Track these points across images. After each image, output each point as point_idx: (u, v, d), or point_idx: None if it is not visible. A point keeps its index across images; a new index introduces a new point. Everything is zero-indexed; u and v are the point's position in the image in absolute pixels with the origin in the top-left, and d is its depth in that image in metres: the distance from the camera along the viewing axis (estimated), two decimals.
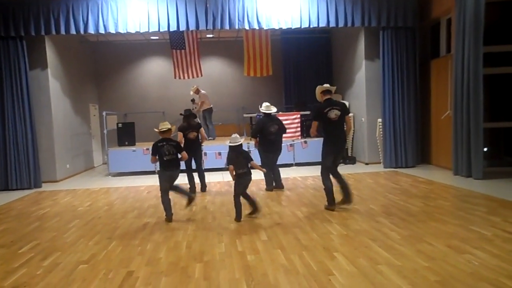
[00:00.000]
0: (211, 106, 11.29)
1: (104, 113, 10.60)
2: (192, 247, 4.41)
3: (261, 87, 13.96)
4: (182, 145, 6.57)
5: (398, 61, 9.38)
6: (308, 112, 11.17)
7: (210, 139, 10.90)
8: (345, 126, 5.71)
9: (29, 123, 8.85)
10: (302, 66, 13.31)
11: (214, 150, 10.10)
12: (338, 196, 5.84)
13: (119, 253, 4.32)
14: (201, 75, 12.34)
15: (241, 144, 5.39)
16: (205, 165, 9.14)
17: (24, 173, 8.84)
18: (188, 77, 12.21)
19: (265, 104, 7.33)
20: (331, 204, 5.69)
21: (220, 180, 8.91)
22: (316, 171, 9.46)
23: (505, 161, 8.78)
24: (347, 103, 10.57)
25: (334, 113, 5.47)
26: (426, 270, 3.45)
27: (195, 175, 7.45)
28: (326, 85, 5.70)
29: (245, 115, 12.11)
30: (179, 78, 12.20)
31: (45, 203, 7.28)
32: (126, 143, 10.78)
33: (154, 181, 9.15)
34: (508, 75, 8.23)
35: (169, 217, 5.53)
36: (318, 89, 5.70)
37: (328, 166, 5.66)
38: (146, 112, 13.52)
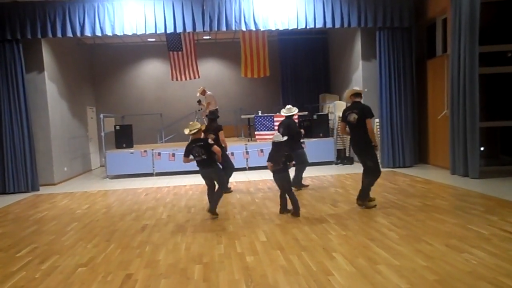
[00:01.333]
0: (217, 107, 11.22)
1: (101, 116, 10.57)
2: (191, 248, 4.40)
3: (259, 88, 13.98)
4: None
5: (394, 61, 9.42)
6: (306, 113, 11.18)
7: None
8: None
9: (26, 126, 8.82)
10: (299, 66, 13.35)
11: None
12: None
13: (118, 255, 4.32)
14: (198, 77, 12.35)
15: (281, 142, 5.54)
16: None
17: (21, 177, 8.81)
18: (185, 79, 12.22)
19: (287, 106, 7.35)
20: (363, 198, 5.79)
21: None
22: (314, 171, 9.55)
23: (501, 160, 8.81)
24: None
25: (352, 117, 5.57)
26: (425, 270, 3.45)
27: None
28: (356, 88, 5.81)
29: (242, 117, 12.10)
30: (176, 80, 12.20)
31: (43, 206, 7.26)
32: (124, 145, 10.77)
33: (152, 183, 9.15)
34: (503, 75, 8.28)
35: (209, 209, 5.70)
36: (348, 92, 5.83)
37: (363, 166, 5.78)
38: (144, 114, 13.53)
